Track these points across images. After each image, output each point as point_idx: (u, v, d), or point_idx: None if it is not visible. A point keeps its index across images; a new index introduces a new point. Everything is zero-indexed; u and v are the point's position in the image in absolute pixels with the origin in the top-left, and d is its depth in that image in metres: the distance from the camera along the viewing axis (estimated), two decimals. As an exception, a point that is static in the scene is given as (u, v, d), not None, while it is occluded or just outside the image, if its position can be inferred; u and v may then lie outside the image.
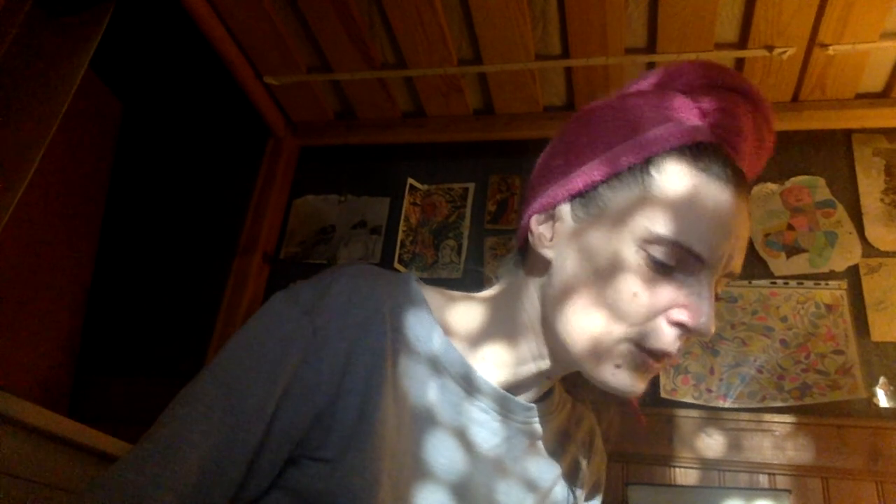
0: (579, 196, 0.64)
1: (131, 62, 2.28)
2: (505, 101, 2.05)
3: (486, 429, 0.66)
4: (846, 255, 1.74)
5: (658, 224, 0.59)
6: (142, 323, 2.13)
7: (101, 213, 2.30)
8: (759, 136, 0.65)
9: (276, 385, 0.57)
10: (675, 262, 0.59)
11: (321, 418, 0.58)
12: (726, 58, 1.78)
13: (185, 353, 2.01)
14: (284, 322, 0.60)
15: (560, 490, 0.74)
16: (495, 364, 0.68)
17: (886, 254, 1.72)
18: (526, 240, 0.69)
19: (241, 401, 0.56)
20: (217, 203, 2.25)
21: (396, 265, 1.97)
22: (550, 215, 0.66)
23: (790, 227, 1.80)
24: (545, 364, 0.68)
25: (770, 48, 1.73)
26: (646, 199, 0.60)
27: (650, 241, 0.59)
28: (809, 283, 1.73)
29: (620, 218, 0.60)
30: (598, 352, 0.60)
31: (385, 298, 0.63)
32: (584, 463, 0.78)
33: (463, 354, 0.66)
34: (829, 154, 1.87)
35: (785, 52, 1.73)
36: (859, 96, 1.86)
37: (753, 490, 1.53)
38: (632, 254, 0.59)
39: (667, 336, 0.59)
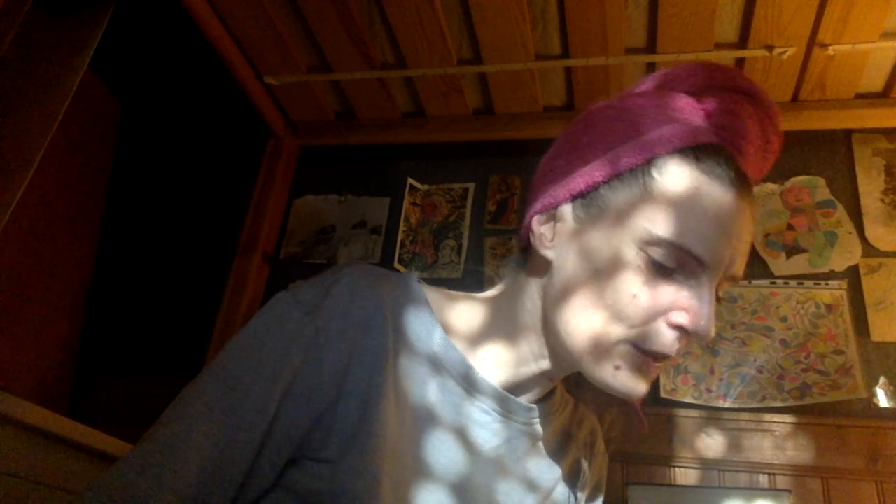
0: (580, 196, 0.63)
1: (131, 62, 2.27)
2: (505, 101, 2.05)
3: (488, 429, 0.66)
4: (846, 255, 1.74)
5: (658, 226, 0.58)
6: (142, 323, 2.13)
7: (101, 213, 2.30)
8: (764, 138, 0.65)
9: (278, 385, 0.57)
10: (676, 265, 0.58)
11: (322, 419, 0.58)
12: (726, 58, 1.78)
13: (185, 353, 2.01)
14: (286, 322, 0.60)
15: (561, 491, 0.74)
16: (496, 364, 0.68)
17: (886, 254, 1.72)
18: (528, 240, 0.68)
19: (242, 401, 0.56)
20: (217, 203, 2.25)
21: (396, 265, 1.97)
22: (552, 216, 0.66)
23: (790, 227, 1.80)
24: (546, 364, 0.68)
25: (770, 48, 1.73)
26: (646, 200, 0.60)
27: (650, 242, 0.58)
28: (809, 283, 1.73)
29: (621, 219, 0.60)
30: (598, 352, 0.60)
31: (386, 298, 0.63)
32: (585, 464, 0.78)
33: (463, 354, 0.66)
34: (828, 154, 1.87)
35: (785, 51, 1.73)
36: (859, 96, 1.86)
37: (753, 490, 1.53)
38: (632, 255, 0.59)
39: (666, 338, 0.59)
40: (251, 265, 2.06)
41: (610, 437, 0.85)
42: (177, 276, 2.17)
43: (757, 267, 1.78)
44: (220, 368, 0.58)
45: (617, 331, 0.59)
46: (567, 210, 0.64)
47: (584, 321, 0.60)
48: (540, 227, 0.66)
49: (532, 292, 0.67)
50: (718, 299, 0.62)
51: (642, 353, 0.60)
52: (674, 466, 1.60)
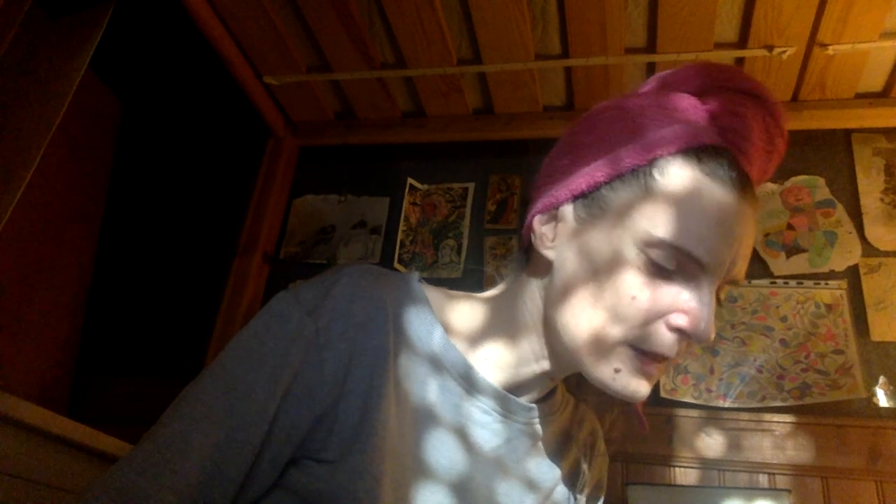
0: (582, 196, 0.63)
1: (131, 62, 2.27)
2: (504, 101, 2.05)
3: (488, 429, 0.66)
4: (846, 254, 1.74)
5: (658, 227, 0.58)
6: (142, 323, 2.13)
7: (101, 213, 2.30)
8: (768, 139, 0.64)
9: (278, 386, 0.57)
10: (675, 267, 0.58)
11: (323, 419, 0.58)
12: (726, 58, 1.78)
13: (185, 353, 2.01)
14: (286, 322, 0.60)
15: (561, 491, 0.74)
16: (496, 364, 0.68)
17: (886, 253, 1.72)
18: (529, 240, 0.68)
19: (242, 401, 0.56)
20: (217, 203, 2.25)
21: (396, 265, 1.97)
22: (553, 216, 0.66)
23: (790, 227, 1.80)
24: (546, 365, 0.67)
25: (770, 48, 1.73)
26: (647, 201, 0.59)
27: (650, 244, 0.58)
28: (809, 283, 1.73)
29: (621, 219, 0.60)
30: (597, 352, 0.60)
31: (387, 298, 0.63)
32: (584, 465, 0.78)
33: (464, 354, 0.66)
34: (828, 154, 1.87)
35: (785, 51, 1.73)
36: (859, 96, 1.86)
37: (753, 490, 1.53)
38: (632, 256, 0.59)
39: (665, 340, 0.59)
40: (251, 265, 2.06)
41: (611, 438, 0.85)
42: (177, 276, 2.17)
43: (757, 267, 1.78)
44: (221, 368, 0.58)
45: (616, 331, 0.59)
46: (568, 210, 0.64)
47: (583, 321, 0.60)
48: (541, 227, 0.66)
49: (533, 292, 0.67)
50: (719, 302, 0.62)
51: (642, 354, 0.60)
52: (674, 466, 1.60)
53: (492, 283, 0.74)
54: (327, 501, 0.56)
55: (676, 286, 0.59)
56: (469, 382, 0.65)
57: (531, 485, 0.70)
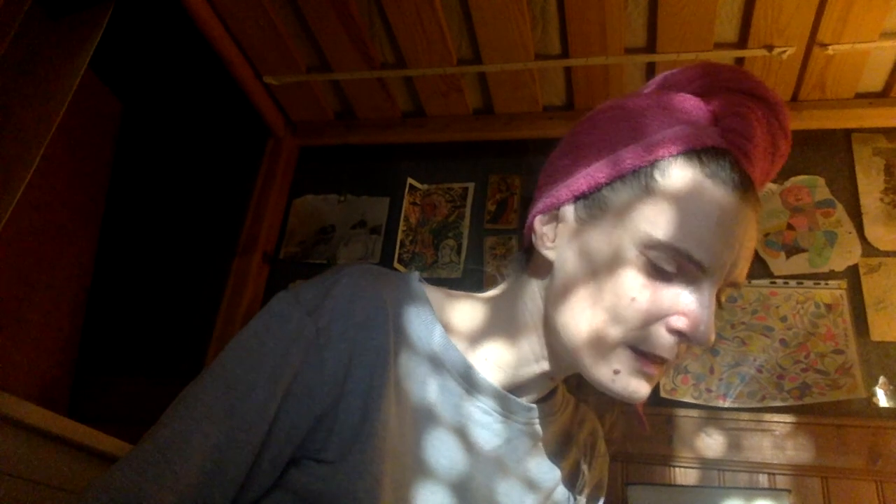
0: (583, 197, 0.63)
1: (131, 62, 2.27)
2: (504, 101, 2.05)
3: (488, 429, 0.66)
4: (846, 254, 1.74)
5: (659, 229, 0.58)
6: (142, 323, 2.13)
7: (101, 212, 2.30)
8: (772, 141, 0.63)
9: (278, 386, 0.57)
10: (676, 269, 0.58)
11: (323, 419, 0.58)
12: (726, 57, 1.78)
13: (185, 353, 2.01)
14: (286, 322, 0.60)
15: (561, 491, 0.74)
16: (497, 364, 0.68)
17: (886, 253, 1.72)
18: (530, 240, 0.68)
19: (242, 401, 0.56)
20: (217, 203, 2.25)
21: (396, 265, 1.97)
22: (554, 216, 0.65)
23: (790, 227, 1.80)
24: (547, 365, 0.67)
25: (770, 48, 1.73)
26: (648, 203, 0.59)
27: (650, 245, 0.58)
28: (809, 283, 1.73)
29: (622, 220, 0.60)
30: (597, 353, 0.60)
31: (387, 298, 0.63)
32: (584, 466, 0.78)
33: (464, 354, 0.66)
34: (828, 154, 1.87)
35: (784, 51, 1.73)
36: (859, 96, 1.86)
37: (753, 490, 1.53)
38: (632, 257, 0.59)
39: (664, 342, 0.59)
40: (251, 265, 2.06)
41: (611, 438, 0.85)
42: (177, 276, 2.17)
43: (757, 267, 1.77)
44: (221, 368, 0.58)
45: (616, 332, 0.59)
46: (569, 210, 0.64)
47: (583, 322, 0.60)
48: (542, 228, 0.66)
49: (533, 292, 0.67)
50: (720, 304, 0.61)
51: (641, 355, 0.60)
52: (674, 466, 1.60)
53: (492, 283, 0.74)
54: (327, 501, 0.56)
55: (676, 288, 0.59)
56: (469, 382, 0.65)
57: (531, 485, 0.70)
